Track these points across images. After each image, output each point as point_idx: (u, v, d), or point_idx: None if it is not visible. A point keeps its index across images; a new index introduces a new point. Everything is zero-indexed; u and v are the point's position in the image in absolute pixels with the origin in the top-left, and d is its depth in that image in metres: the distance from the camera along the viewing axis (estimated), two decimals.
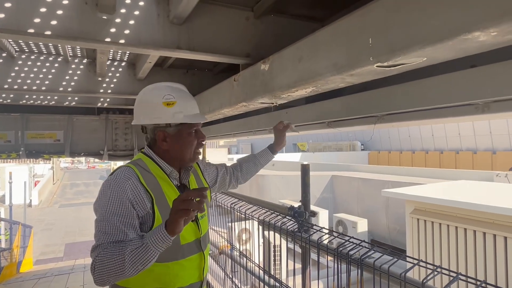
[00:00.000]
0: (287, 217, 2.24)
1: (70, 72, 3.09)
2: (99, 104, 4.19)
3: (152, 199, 1.22)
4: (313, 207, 8.21)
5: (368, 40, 1.03)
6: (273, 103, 1.80)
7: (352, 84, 1.30)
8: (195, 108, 1.37)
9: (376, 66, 1.05)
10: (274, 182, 11.31)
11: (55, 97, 3.86)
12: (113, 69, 3.24)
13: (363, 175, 11.10)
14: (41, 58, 3.02)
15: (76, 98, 3.99)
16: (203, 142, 1.41)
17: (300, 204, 2.25)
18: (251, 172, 1.80)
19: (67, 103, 3.98)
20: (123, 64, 3.27)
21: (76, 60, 3.12)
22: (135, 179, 1.21)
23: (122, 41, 1.67)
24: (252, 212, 2.56)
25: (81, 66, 3.13)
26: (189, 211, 1.03)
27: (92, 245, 1.16)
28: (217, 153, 23.62)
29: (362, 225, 7.79)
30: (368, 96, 1.67)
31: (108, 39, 1.65)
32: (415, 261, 1.37)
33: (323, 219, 8.19)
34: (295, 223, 2.17)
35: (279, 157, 20.20)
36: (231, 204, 2.89)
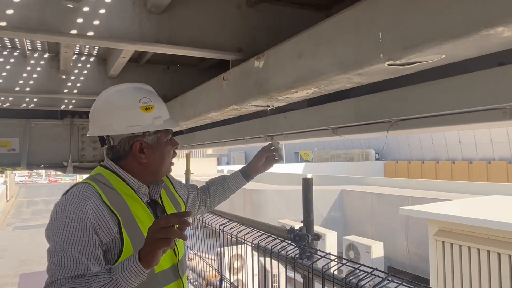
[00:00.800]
0: (286, 241, 2.25)
1: (29, 68, 3.09)
2: (63, 106, 4.19)
3: (118, 220, 1.20)
4: (318, 228, 8.23)
5: (378, 35, 1.06)
6: (269, 106, 1.82)
7: (361, 84, 1.33)
8: (167, 111, 1.41)
9: (388, 65, 1.07)
10: (272, 199, 11.33)
11: (10, 98, 3.86)
12: (80, 65, 3.25)
13: (378, 190, 11.17)
14: None
15: (35, 100, 3.98)
16: (176, 151, 1.45)
17: (301, 225, 2.26)
18: (219, 198, 1.82)
19: (24, 105, 3.98)
20: (92, 59, 3.28)
21: (35, 55, 3.13)
22: (96, 198, 1.19)
23: (90, 33, 1.69)
24: (245, 235, 2.57)
25: (42, 62, 3.14)
26: (169, 240, 1.03)
27: (46, 281, 1.13)
28: (204, 163, 23.58)
29: (377, 250, 7.82)
30: (380, 98, 1.69)
31: (74, 31, 1.66)
32: None
33: (331, 242, 8.21)
34: (296, 248, 2.18)
35: (278, 168, 20.22)
36: (220, 225, 2.89)
